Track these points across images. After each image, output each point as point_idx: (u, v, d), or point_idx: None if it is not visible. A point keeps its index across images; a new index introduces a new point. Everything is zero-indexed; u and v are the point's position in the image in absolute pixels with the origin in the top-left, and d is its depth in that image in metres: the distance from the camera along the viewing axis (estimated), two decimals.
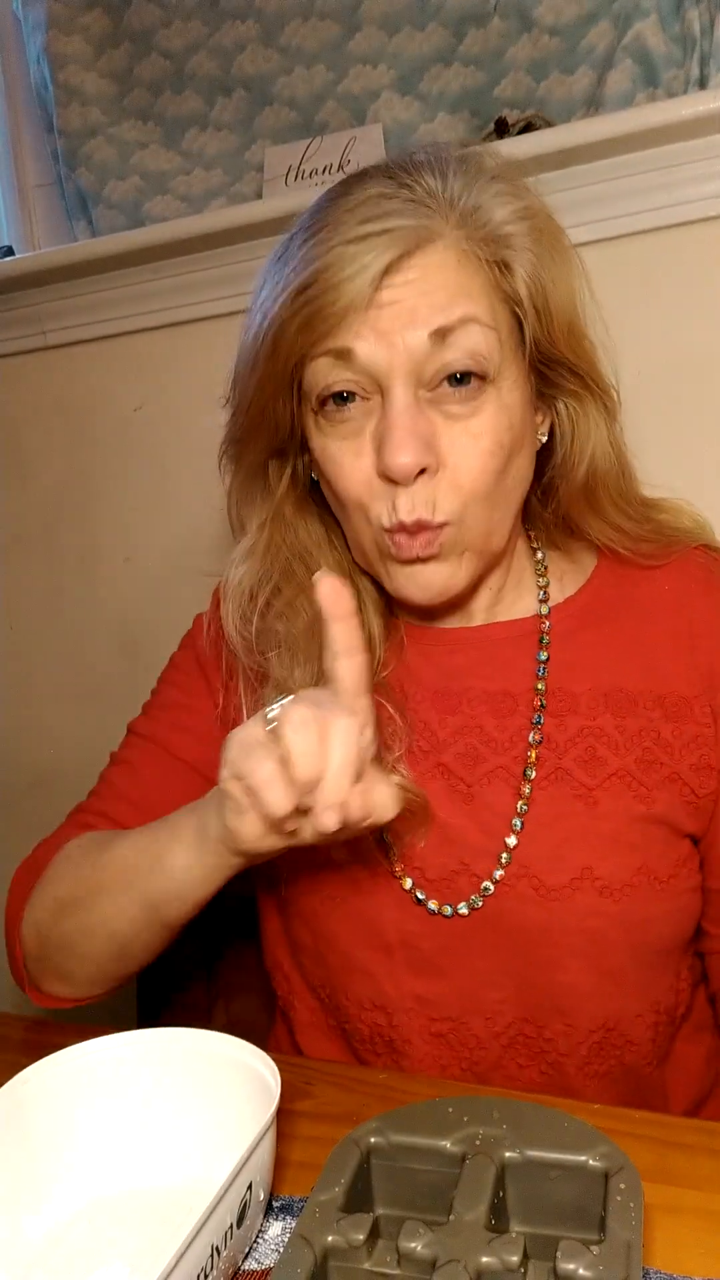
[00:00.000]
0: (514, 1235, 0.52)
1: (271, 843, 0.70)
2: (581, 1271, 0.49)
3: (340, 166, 1.32)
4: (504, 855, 0.81)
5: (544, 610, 0.88)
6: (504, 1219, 0.56)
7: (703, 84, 1.17)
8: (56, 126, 1.50)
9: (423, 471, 0.75)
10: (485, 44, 1.27)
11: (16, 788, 1.71)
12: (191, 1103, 0.66)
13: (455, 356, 0.75)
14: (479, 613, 0.88)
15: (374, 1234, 0.55)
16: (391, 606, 0.90)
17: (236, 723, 0.88)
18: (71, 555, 1.61)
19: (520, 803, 0.82)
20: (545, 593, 0.89)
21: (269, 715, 0.67)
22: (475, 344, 0.76)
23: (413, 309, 0.75)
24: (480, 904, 0.81)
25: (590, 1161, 0.55)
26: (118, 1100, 0.66)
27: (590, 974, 0.80)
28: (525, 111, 1.25)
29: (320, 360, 0.77)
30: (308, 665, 0.83)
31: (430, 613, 0.88)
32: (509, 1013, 0.82)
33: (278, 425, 0.83)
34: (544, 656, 0.86)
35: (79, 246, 1.46)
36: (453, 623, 0.88)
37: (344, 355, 0.76)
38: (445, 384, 0.76)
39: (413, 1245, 0.52)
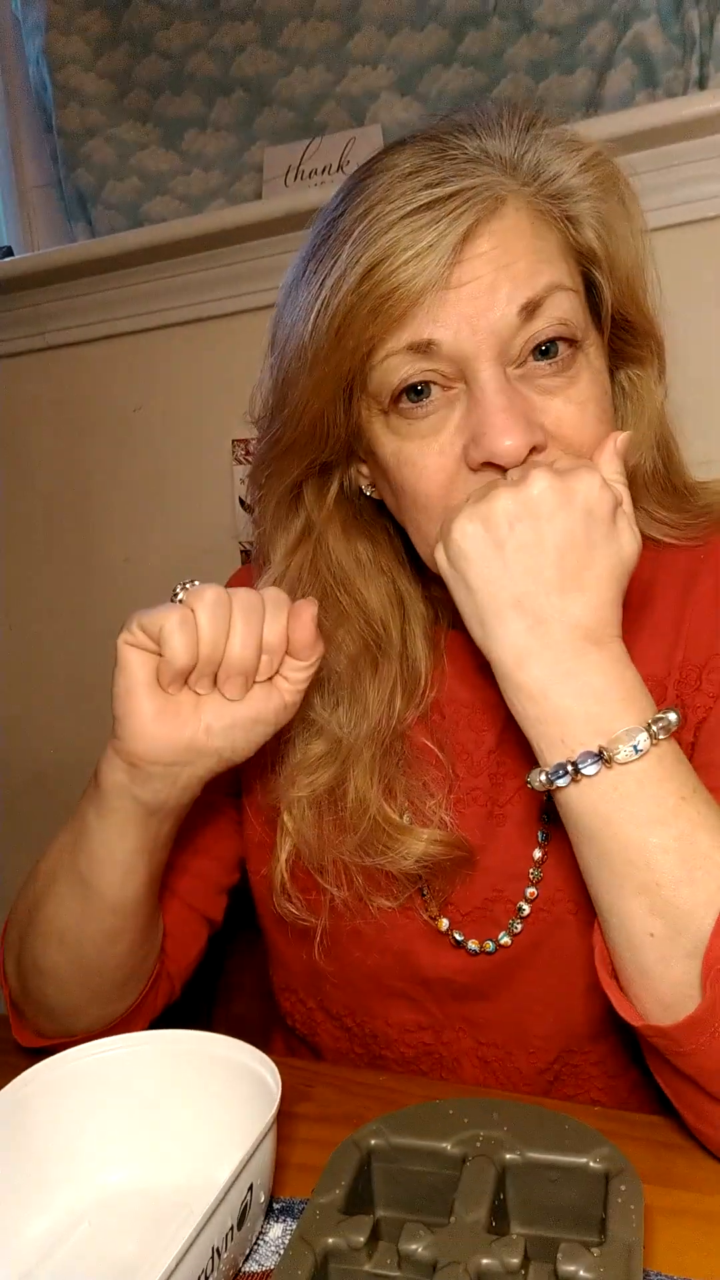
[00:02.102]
0: (514, 1237, 0.52)
1: (162, 738, 0.67)
2: (582, 1273, 0.49)
3: (339, 167, 1.33)
4: (533, 871, 0.77)
5: None
6: (504, 1221, 0.56)
7: (702, 84, 1.17)
8: (55, 127, 1.50)
9: (532, 452, 0.67)
10: (484, 44, 1.27)
11: (16, 787, 1.71)
12: (192, 1104, 0.65)
13: (544, 328, 0.68)
14: None
15: (374, 1236, 0.55)
16: (438, 615, 0.83)
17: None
18: (71, 555, 1.61)
19: (544, 814, 0.77)
20: None
21: (177, 596, 0.67)
22: (563, 311, 0.69)
23: (493, 285, 0.67)
24: (519, 929, 0.77)
25: (591, 1163, 0.55)
26: (119, 1102, 0.66)
27: None
28: None
29: (396, 357, 0.68)
30: (353, 706, 0.78)
31: None
32: (553, 1049, 0.78)
33: (331, 434, 0.74)
34: None
35: (78, 247, 1.46)
36: None
37: (424, 348, 0.67)
38: (532, 358, 0.69)
39: (413, 1247, 0.52)
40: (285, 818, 0.79)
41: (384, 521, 0.81)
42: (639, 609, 0.78)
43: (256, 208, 1.32)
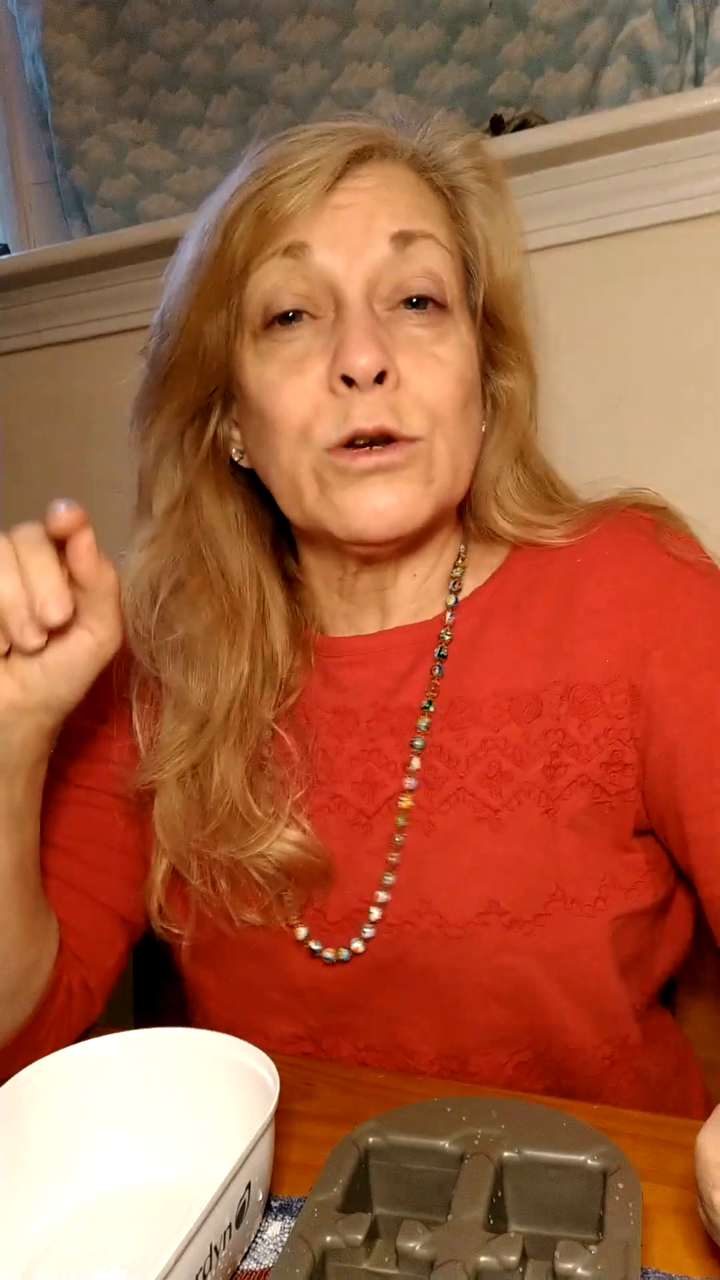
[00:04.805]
0: (512, 1235, 0.52)
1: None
2: (580, 1271, 0.49)
3: None
4: (387, 876, 0.75)
5: (450, 602, 0.80)
6: (502, 1219, 0.56)
7: (697, 81, 1.17)
8: (52, 124, 1.50)
9: (383, 379, 0.69)
10: (480, 41, 1.27)
11: None
12: (190, 1103, 0.66)
13: (413, 274, 0.71)
14: (399, 608, 0.80)
15: (372, 1234, 0.55)
16: (301, 619, 0.82)
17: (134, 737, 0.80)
18: None
19: (400, 817, 0.75)
20: (458, 584, 0.80)
21: None
22: (434, 263, 0.72)
23: (371, 213, 0.71)
24: (371, 935, 0.75)
25: (588, 1161, 0.55)
26: (116, 1100, 0.66)
27: (515, 1013, 0.74)
28: (520, 109, 1.25)
29: (271, 262, 0.71)
30: (210, 676, 0.77)
31: (356, 611, 0.81)
32: (431, 1051, 0.76)
33: (209, 358, 0.75)
34: (442, 654, 0.78)
35: (74, 245, 1.46)
36: (369, 624, 0.80)
37: (298, 252, 0.71)
38: (403, 306, 0.72)
39: (411, 1245, 0.52)
40: (159, 830, 0.78)
41: (256, 501, 0.81)
42: (514, 614, 0.78)
43: None
